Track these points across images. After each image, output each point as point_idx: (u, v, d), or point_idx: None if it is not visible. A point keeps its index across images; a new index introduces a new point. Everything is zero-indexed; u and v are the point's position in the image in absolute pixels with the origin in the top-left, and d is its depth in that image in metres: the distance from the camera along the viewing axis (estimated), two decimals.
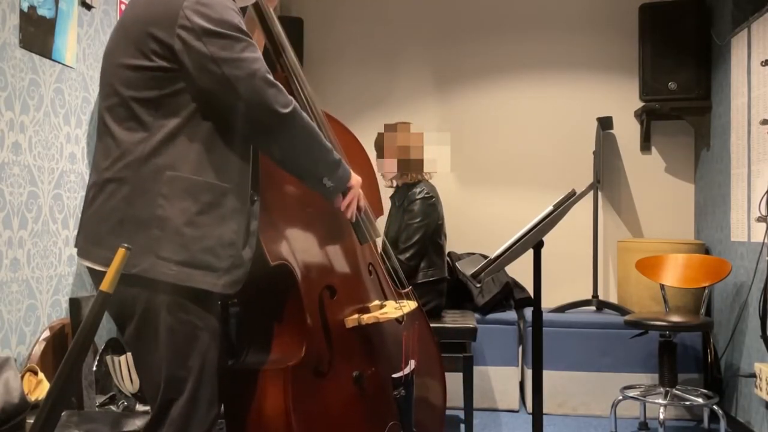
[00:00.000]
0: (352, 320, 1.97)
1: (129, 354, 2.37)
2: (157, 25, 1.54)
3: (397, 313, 2.03)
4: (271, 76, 1.59)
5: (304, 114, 1.67)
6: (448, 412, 2.51)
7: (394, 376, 1.96)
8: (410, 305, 2.14)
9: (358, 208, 1.98)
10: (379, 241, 2.34)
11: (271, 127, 1.62)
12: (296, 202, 1.94)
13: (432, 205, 3.32)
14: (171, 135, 1.55)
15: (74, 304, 2.44)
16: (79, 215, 2.57)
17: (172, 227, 1.53)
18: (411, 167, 3.32)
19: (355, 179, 1.90)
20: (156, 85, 1.56)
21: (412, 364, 2.02)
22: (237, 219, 1.62)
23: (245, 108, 1.57)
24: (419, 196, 3.30)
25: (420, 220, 3.27)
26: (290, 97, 1.62)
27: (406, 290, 2.29)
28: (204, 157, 1.57)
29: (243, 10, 1.96)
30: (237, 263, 1.61)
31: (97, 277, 1.58)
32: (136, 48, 1.56)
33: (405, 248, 3.24)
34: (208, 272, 1.56)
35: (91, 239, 1.59)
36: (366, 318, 1.97)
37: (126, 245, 1.34)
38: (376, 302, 2.11)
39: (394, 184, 3.47)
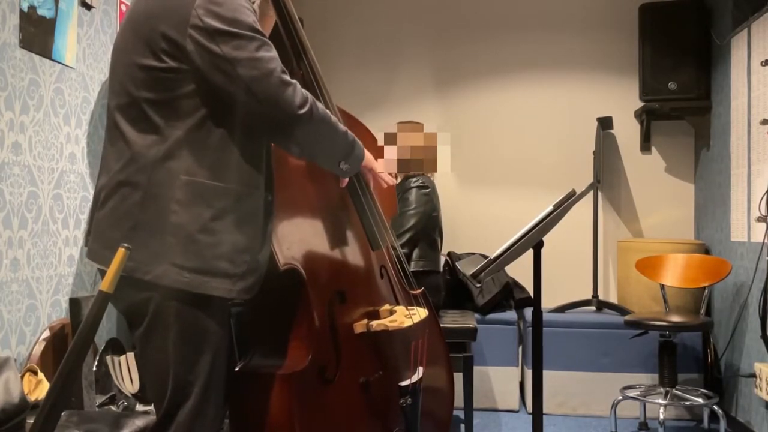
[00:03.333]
0: (360, 326, 1.94)
1: (129, 354, 2.38)
2: (167, 24, 1.51)
3: (408, 322, 1.99)
4: (287, 75, 1.56)
5: (320, 106, 1.64)
6: None
7: (401, 384, 1.94)
8: (421, 313, 2.11)
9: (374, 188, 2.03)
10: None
11: (289, 127, 1.58)
12: (307, 204, 1.91)
13: (426, 194, 3.32)
14: (184, 138, 1.53)
15: (74, 304, 2.45)
16: (79, 215, 2.59)
17: (186, 234, 1.51)
18: (411, 167, 3.32)
19: (368, 157, 1.92)
20: (167, 86, 1.52)
21: (420, 371, 2.00)
22: (252, 223, 1.60)
23: (261, 108, 1.53)
24: (414, 185, 3.32)
25: (414, 208, 3.28)
26: (306, 94, 1.59)
27: (417, 291, 2.26)
28: (218, 160, 1.55)
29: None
30: (252, 268, 1.60)
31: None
32: (146, 46, 1.53)
33: (398, 235, 3.23)
34: (223, 279, 1.54)
35: (104, 243, 1.56)
36: (375, 325, 1.94)
37: (126, 245, 1.34)
38: (387, 307, 2.09)
39: (398, 179, 3.49)
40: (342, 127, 1.75)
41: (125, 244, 1.34)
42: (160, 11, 1.53)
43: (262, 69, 1.51)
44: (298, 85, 1.58)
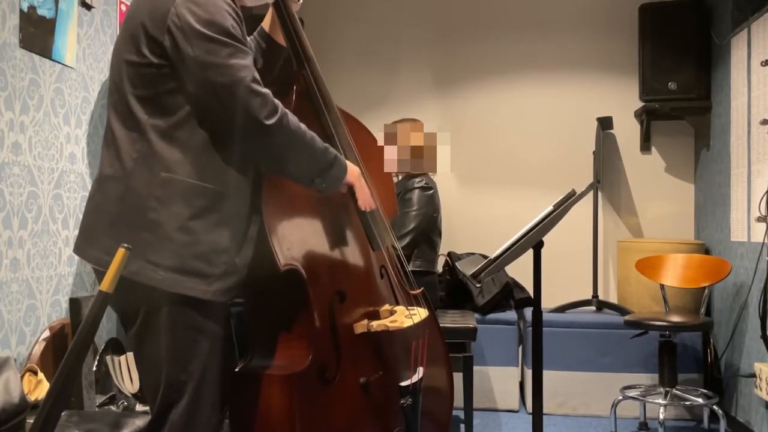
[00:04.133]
0: (361, 326, 1.94)
1: (129, 354, 2.37)
2: (149, 20, 1.52)
3: (408, 322, 1.99)
4: (258, 85, 1.53)
5: (293, 119, 1.61)
6: None
7: (401, 384, 1.94)
8: (421, 313, 2.10)
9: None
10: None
11: (254, 137, 1.56)
12: (307, 205, 1.91)
13: (429, 196, 3.31)
14: (167, 135, 1.53)
15: (74, 304, 2.44)
16: (79, 215, 2.59)
17: (164, 232, 1.51)
18: (411, 167, 3.31)
19: (352, 173, 1.83)
20: (150, 82, 1.53)
21: (420, 371, 2.00)
22: (233, 224, 1.59)
23: (227, 115, 1.52)
24: (417, 186, 3.30)
25: (416, 209, 3.26)
26: (277, 105, 1.56)
27: (417, 292, 2.26)
28: (200, 159, 1.55)
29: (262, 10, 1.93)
30: (230, 270, 1.59)
31: (98, 275, 1.57)
32: (132, 43, 1.55)
33: (400, 236, 3.22)
34: (199, 279, 1.53)
35: (86, 237, 1.58)
36: (376, 325, 1.94)
37: (126, 245, 1.34)
38: (387, 307, 2.09)
39: (400, 177, 3.48)
40: (320, 143, 1.70)
41: (125, 245, 1.34)
42: (145, 8, 1.55)
43: (231, 76, 1.50)
44: (270, 96, 1.55)
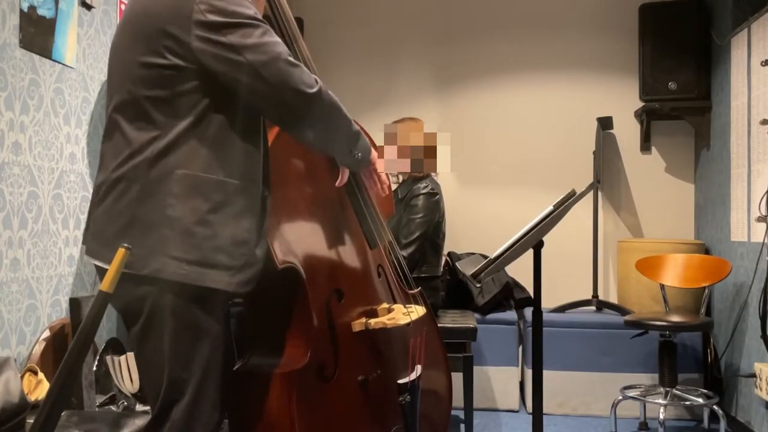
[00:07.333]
0: (359, 324, 1.94)
1: (129, 354, 2.38)
2: (170, 22, 1.52)
3: (406, 319, 2.00)
4: (293, 58, 1.59)
5: (328, 89, 1.66)
6: None
7: (399, 381, 1.95)
8: (419, 311, 2.11)
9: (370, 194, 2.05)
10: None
11: (301, 109, 1.60)
12: (305, 203, 1.92)
13: (435, 202, 3.29)
14: (182, 134, 1.54)
15: (74, 304, 2.44)
16: (80, 215, 2.59)
17: (183, 227, 1.52)
18: (411, 167, 3.30)
19: (373, 151, 1.94)
20: (168, 83, 1.54)
21: (419, 369, 2.01)
22: (249, 217, 1.61)
23: (272, 92, 1.55)
24: (423, 191, 3.26)
25: (422, 216, 3.23)
26: (314, 76, 1.61)
27: (414, 291, 2.27)
28: (215, 154, 1.56)
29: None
30: (250, 261, 1.60)
31: (102, 275, 1.57)
32: (147, 45, 1.54)
33: (406, 244, 3.21)
34: (222, 271, 1.54)
35: (101, 239, 1.57)
36: (373, 323, 1.95)
37: (126, 245, 1.34)
38: (384, 305, 2.09)
39: (401, 179, 3.46)
40: (348, 115, 1.77)
41: (125, 244, 1.34)
42: (161, 9, 1.54)
43: (269, 53, 1.54)
44: (305, 68, 1.60)
